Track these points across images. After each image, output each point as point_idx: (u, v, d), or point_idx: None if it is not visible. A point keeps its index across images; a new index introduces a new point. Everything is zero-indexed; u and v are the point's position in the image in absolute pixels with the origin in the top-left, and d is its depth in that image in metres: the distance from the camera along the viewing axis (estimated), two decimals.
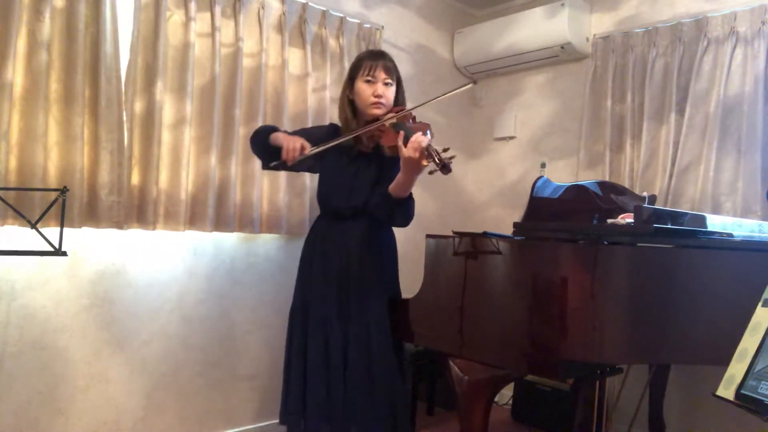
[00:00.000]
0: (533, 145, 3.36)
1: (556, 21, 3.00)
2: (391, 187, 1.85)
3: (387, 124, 1.95)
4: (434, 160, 1.66)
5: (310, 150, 1.96)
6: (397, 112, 2.01)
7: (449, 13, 3.53)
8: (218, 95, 2.41)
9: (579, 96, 3.09)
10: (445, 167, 1.65)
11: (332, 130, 2.18)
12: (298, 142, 1.95)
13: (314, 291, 2.09)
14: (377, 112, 2.02)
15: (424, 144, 1.70)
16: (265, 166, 2.18)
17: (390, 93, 2.05)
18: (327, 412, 1.99)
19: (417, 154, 1.70)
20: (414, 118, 2.05)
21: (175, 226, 2.29)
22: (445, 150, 1.69)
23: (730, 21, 2.53)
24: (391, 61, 2.09)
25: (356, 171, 2.05)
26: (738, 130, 2.49)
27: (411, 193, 1.90)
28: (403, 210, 1.92)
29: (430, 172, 1.69)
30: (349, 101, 2.10)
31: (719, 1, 2.62)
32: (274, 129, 2.15)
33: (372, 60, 2.05)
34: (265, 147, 2.09)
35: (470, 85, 2.08)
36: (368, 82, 2.03)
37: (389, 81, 2.04)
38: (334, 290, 2.04)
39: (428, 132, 1.90)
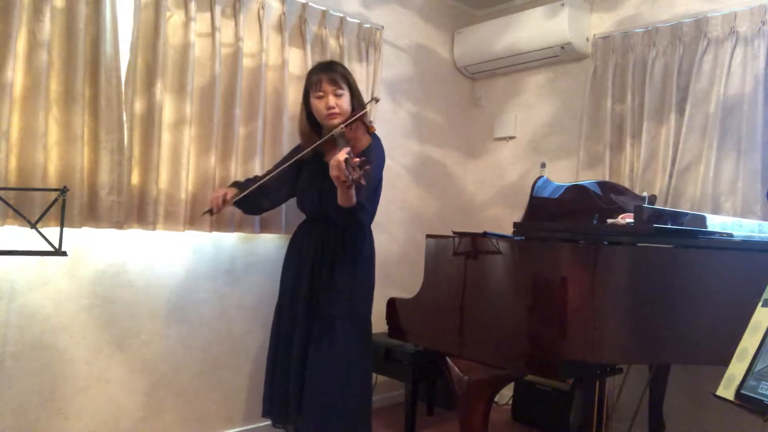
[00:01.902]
0: (533, 145, 3.36)
1: (556, 21, 3.00)
2: (338, 199, 1.92)
3: (335, 134, 2.03)
4: (350, 178, 1.72)
5: (232, 197, 2.13)
6: (346, 119, 2.09)
7: (449, 13, 3.53)
8: (218, 95, 2.41)
9: (579, 96, 3.09)
10: (354, 181, 1.73)
11: (294, 148, 2.34)
12: (220, 192, 2.13)
13: (287, 290, 2.23)
14: (334, 122, 2.11)
15: (341, 159, 1.73)
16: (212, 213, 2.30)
17: (343, 101, 2.14)
18: (293, 409, 2.10)
19: (336, 173, 1.76)
20: (366, 122, 2.11)
21: (175, 226, 2.29)
22: (363, 163, 1.73)
23: (730, 21, 2.53)
24: (339, 71, 2.16)
25: (324, 180, 2.08)
26: (738, 130, 2.49)
27: (361, 201, 1.95)
28: (353, 219, 2.01)
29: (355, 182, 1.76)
30: (308, 115, 2.21)
31: (719, 1, 2.62)
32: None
33: (318, 74, 2.14)
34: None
35: (373, 102, 2.36)
36: (319, 97, 2.13)
37: (339, 91, 2.12)
38: (305, 289, 2.14)
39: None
